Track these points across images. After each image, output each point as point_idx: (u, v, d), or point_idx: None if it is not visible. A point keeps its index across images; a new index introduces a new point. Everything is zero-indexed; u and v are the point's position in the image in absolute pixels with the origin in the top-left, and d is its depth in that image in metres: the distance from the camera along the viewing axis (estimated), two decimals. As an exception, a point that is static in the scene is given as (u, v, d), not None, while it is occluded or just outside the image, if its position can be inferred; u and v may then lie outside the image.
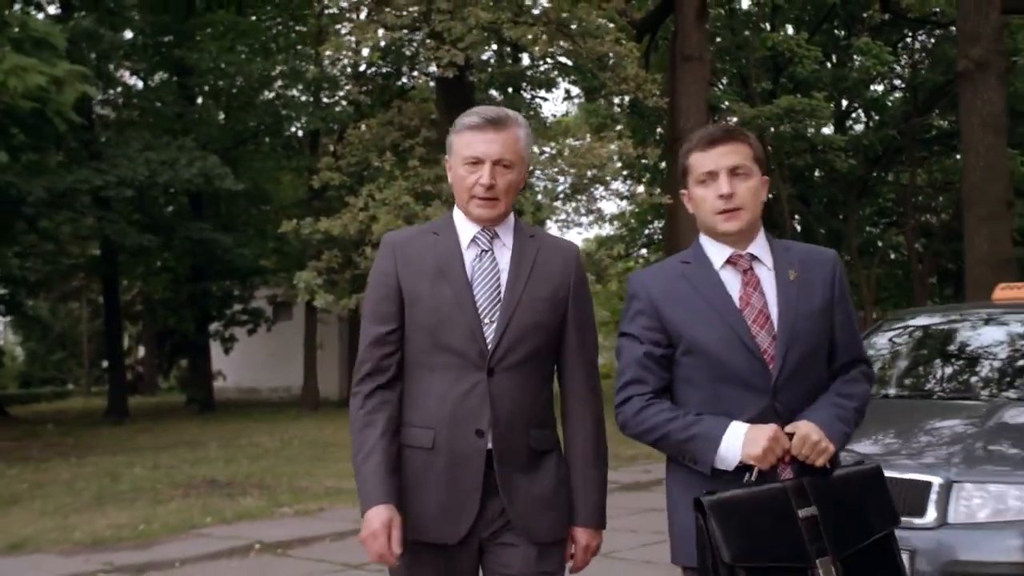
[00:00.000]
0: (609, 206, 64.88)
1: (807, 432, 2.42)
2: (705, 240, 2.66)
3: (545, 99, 36.87)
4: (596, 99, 26.39)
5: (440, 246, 2.72)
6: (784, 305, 2.53)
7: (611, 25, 17.69)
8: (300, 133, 25.75)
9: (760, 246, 2.63)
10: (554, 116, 33.26)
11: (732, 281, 2.58)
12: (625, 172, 28.56)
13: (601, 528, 2.79)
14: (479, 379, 2.63)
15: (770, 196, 3.13)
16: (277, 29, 25.96)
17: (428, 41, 15.90)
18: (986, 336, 5.67)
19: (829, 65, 30.45)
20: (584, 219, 19.23)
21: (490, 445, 2.62)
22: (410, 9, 16.69)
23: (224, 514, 8.60)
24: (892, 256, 36.47)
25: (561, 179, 17.13)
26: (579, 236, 29.39)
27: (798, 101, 26.21)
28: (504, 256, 2.73)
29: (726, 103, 30.04)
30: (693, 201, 2.64)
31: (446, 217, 2.82)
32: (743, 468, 2.42)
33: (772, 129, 25.22)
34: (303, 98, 24.39)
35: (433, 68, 16.03)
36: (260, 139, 25.67)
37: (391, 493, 2.59)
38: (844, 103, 32.38)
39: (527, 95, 25.95)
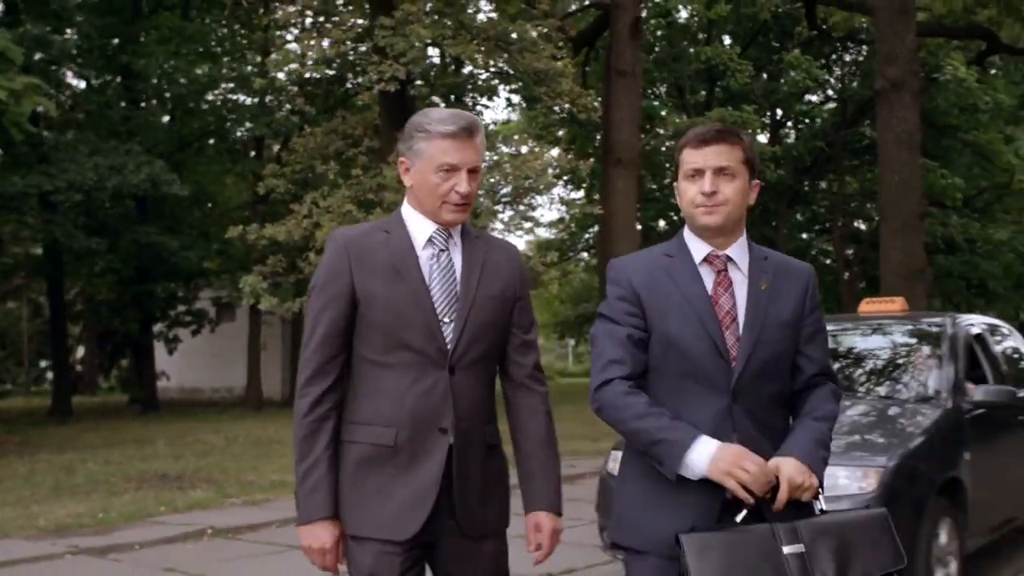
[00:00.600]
0: (549, 212, 65.68)
1: (791, 475, 2.45)
2: (688, 235, 2.69)
3: (487, 107, 37.45)
4: (536, 108, 27.16)
5: (393, 244, 2.71)
6: (752, 310, 2.58)
7: (546, 31, 18.39)
8: (245, 137, 26.12)
9: (739, 250, 2.66)
10: (495, 123, 33.92)
11: (706, 278, 2.62)
12: (565, 178, 29.29)
13: (561, 514, 2.82)
14: (440, 377, 2.64)
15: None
16: (223, 33, 26.27)
17: (373, 56, 16.48)
18: (855, 343, 6.52)
19: (765, 76, 31.49)
20: (525, 224, 20.00)
21: (451, 441, 2.65)
22: (356, 21, 17.34)
23: (176, 504, 9.23)
24: (827, 262, 37.53)
25: (501, 187, 17.83)
26: (520, 241, 30.07)
27: (729, 113, 27.26)
28: (457, 256, 2.74)
29: (663, 112, 31.08)
30: (679, 193, 2.67)
31: (394, 215, 2.81)
32: (710, 482, 2.46)
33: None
34: (248, 101, 24.76)
35: (375, 77, 16.56)
36: (205, 142, 26.02)
37: (335, 506, 2.64)
38: (779, 114, 33.38)
39: (469, 101, 26.62)
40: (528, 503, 2.82)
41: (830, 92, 33.88)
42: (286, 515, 8.60)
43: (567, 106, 18.92)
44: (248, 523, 8.39)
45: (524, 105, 30.68)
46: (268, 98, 24.06)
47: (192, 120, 25.35)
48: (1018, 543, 6.79)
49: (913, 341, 6.20)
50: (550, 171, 18.50)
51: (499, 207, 18.20)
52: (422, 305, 2.64)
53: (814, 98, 33.99)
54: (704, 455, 2.43)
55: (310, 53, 17.62)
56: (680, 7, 29.66)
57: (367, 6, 18.29)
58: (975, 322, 6.72)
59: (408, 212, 2.78)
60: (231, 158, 26.47)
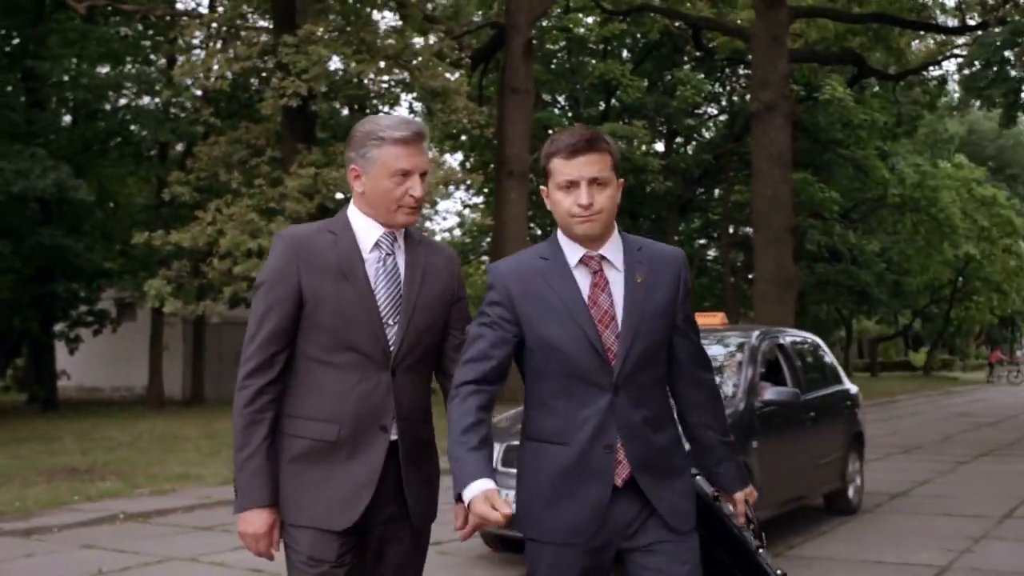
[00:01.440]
0: (451, 216, 66.59)
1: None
2: (562, 238, 2.75)
3: (390, 114, 38.02)
4: (433, 120, 28.05)
5: (340, 246, 2.76)
6: (629, 306, 2.66)
7: (442, 48, 19.41)
8: (149, 140, 26.30)
9: (612, 247, 2.73)
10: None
11: (583, 280, 2.69)
12: (468, 182, 30.24)
13: None
14: (383, 378, 2.73)
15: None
16: (126, 34, 26.41)
17: (276, 72, 17.31)
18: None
19: (661, 89, 32.92)
20: (424, 228, 20.96)
21: (392, 437, 2.75)
22: (261, 39, 18.14)
23: (89, 493, 10.01)
24: (720, 268, 39.11)
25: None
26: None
27: (620, 127, 28.68)
28: (401, 259, 2.82)
29: (565, 121, 32.34)
30: (552, 201, 2.72)
31: (340, 218, 2.86)
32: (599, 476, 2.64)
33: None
34: (153, 103, 25.04)
35: (279, 92, 17.31)
36: (108, 144, 26.17)
37: (274, 495, 2.73)
38: (675, 128, 34.84)
39: (371, 111, 27.34)
40: None
41: (723, 103, 35.49)
42: (191, 502, 9.55)
43: (464, 122, 19.98)
44: (157, 509, 9.25)
45: (426, 112, 31.61)
46: (173, 100, 24.37)
47: (96, 122, 25.52)
48: (807, 516, 8.23)
49: (725, 350, 7.45)
50: (452, 182, 19.56)
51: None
52: (367, 308, 2.73)
53: (712, 110, 35.57)
54: (468, 495, 2.48)
55: (215, 67, 18.32)
56: (579, 24, 30.84)
57: (269, 19, 19.09)
58: (783, 335, 8.03)
59: (355, 215, 2.84)
60: (135, 160, 26.66)
